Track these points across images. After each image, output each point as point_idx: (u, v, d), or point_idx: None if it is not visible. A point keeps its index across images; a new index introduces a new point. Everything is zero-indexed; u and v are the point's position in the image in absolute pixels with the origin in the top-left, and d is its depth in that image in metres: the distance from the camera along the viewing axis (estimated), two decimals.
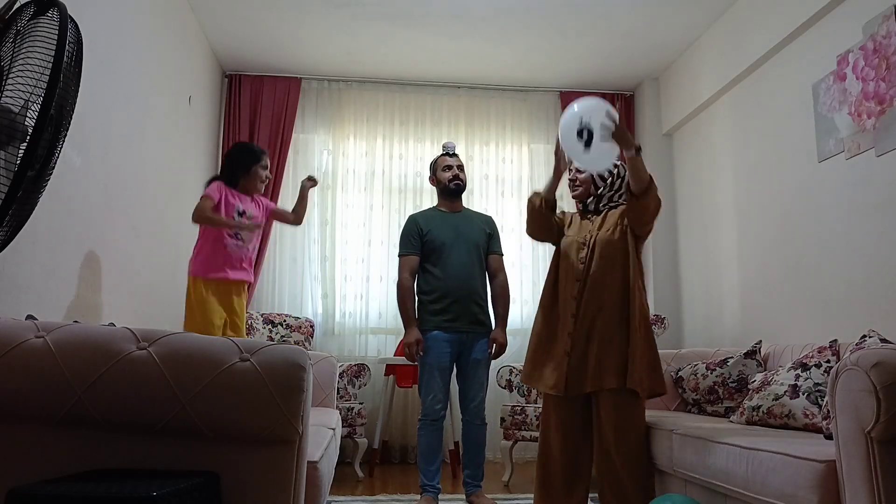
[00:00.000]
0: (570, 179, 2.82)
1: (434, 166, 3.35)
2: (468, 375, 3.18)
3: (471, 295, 3.17)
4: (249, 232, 3.06)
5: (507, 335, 3.27)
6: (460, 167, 3.31)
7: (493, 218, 3.45)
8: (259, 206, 3.19)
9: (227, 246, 2.99)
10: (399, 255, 3.26)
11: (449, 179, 3.28)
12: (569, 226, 2.85)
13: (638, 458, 2.51)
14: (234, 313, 3.03)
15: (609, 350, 2.53)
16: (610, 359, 2.52)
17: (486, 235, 3.29)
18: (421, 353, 3.13)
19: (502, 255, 3.35)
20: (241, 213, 3.05)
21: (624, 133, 2.46)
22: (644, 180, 2.49)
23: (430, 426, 3.13)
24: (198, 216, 2.90)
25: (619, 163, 2.73)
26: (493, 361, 3.28)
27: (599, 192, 2.75)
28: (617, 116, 2.48)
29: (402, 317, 3.19)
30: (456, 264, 3.17)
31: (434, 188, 3.38)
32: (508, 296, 3.29)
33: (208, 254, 2.97)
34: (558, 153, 2.69)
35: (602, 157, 2.54)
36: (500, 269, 3.30)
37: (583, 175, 2.76)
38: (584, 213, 2.83)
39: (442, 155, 3.34)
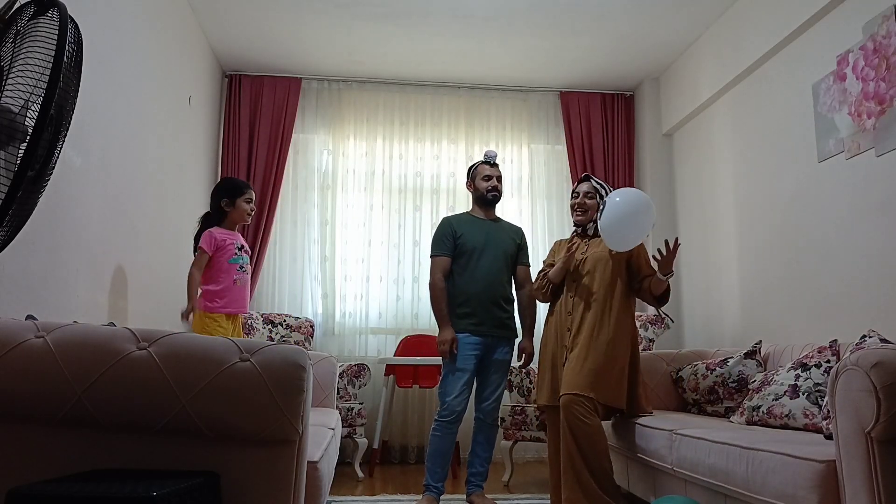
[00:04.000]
0: (577, 204, 3.03)
1: (473, 173, 3.37)
2: (487, 376, 3.20)
3: (495, 299, 3.20)
4: (247, 264, 3.27)
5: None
6: (499, 178, 3.34)
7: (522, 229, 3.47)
8: (243, 238, 3.39)
9: (236, 281, 3.17)
10: (431, 256, 3.27)
11: (487, 189, 3.31)
12: (561, 250, 3.08)
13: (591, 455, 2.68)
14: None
15: (585, 362, 2.76)
16: (582, 370, 2.76)
17: (515, 246, 3.32)
18: (456, 351, 3.11)
19: (529, 266, 3.39)
20: (241, 248, 3.23)
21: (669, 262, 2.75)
22: (665, 298, 2.85)
23: (447, 428, 3.10)
24: (190, 280, 3.09)
25: (608, 186, 3.05)
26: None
27: (597, 217, 2.96)
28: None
29: (436, 316, 3.20)
30: (484, 269, 3.20)
31: (428, 189, 3.43)
32: (535, 305, 3.33)
33: (217, 292, 3.12)
34: (570, 259, 2.94)
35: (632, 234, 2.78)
36: (528, 280, 3.33)
37: (591, 201, 3.00)
38: (582, 235, 3.07)
39: (482, 163, 3.35)
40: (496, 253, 3.23)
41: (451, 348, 3.10)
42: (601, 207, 2.78)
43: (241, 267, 3.20)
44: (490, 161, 3.33)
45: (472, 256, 3.21)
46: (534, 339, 3.31)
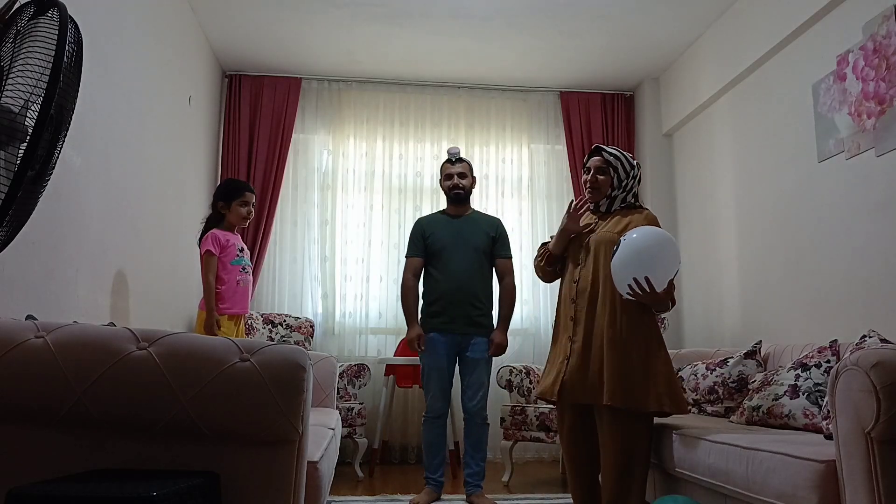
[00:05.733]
0: (588, 181, 2.66)
1: (441, 171, 3.43)
2: (467, 375, 3.24)
3: (468, 298, 3.23)
4: (251, 265, 3.30)
5: (508, 336, 3.33)
6: (461, 174, 3.36)
7: (501, 220, 3.47)
8: (243, 239, 3.41)
9: (239, 282, 3.17)
10: (405, 256, 3.38)
11: (449, 188, 3.37)
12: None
13: (628, 477, 2.38)
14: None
15: (606, 362, 2.39)
16: (606, 371, 2.38)
17: (489, 239, 3.32)
18: (423, 348, 3.22)
19: (509, 257, 3.39)
20: (242, 250, 3.22)
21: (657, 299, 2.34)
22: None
23: (432, 423, 3.24)
24: (207, 288, 3.06)
25: (633, 160, 2.64)
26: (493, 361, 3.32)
27: (612, 193, 2.62)
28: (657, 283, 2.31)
29: (404, 314, 3.32)
30: (454, 268, 3.24)
31: (428, 189, 3.55)
32: (513, 298, 3.34)
33: (226, 293, 3.13)
34: (575, 215, 2.57)
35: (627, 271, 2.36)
36: (507, 272, 3.35)
37: (602, 178, 2.62)
38: (595, 212, 2.72)
39: (446, 161, 3.40)
40: (466, 251, 3.27)
41: (417, 345, 3.23)
42: (617, 244, 2.39)
43: (244, 268, 3.19)
44: (452, 158, 3.36)
45: (441, 256, 3.27)
46: (507, 332, 3.33)
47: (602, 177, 2.61)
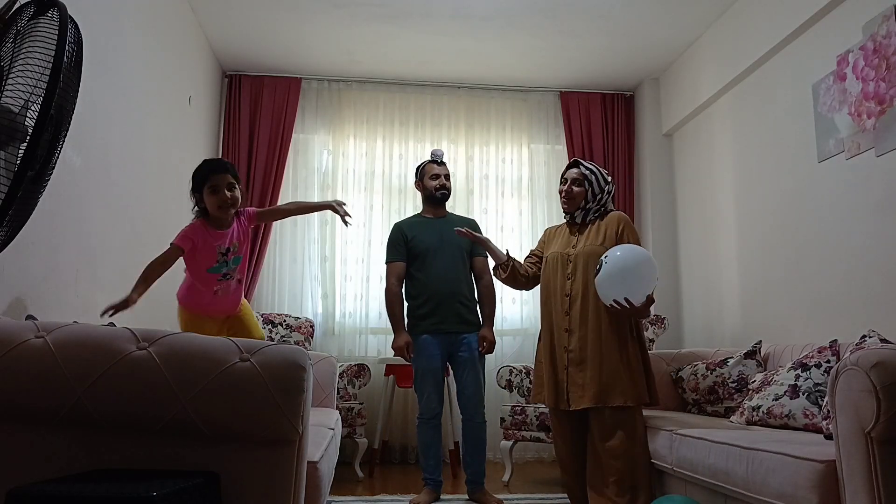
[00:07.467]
0: (563, 191, 2.89)
1: (421, 172, 3.44)
2: (462, 375, 3.25)
3: (455, 296, 3.25)
4: (236, 266, 2.70)
5: (509, 336, 3.35)
6: (447, 176, 3.41)
7: (478, 221, 3.57)
8: (240, 227, 2.71)
9: (216, 292, 2.68)
10: (386, 263, 3.37)
11: (435, 188, 3.38)
12: (553, 239, 2.97)
13: (624, 475, 2.57)
14: (227, 322, 2.84)
15: (602, 367, 2.62)
16: (602, 376, 2.61)
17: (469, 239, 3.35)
18: (411, 355, 3.23)
19: (486, 256, 3.42)
20: (226, 252, 2.63)
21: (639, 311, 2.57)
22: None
23: (427, 424, 3.24)
24: (145, 269, 2.53)
25: (609, 177, 2.89)
26: (491, 362, 3.33)
27: (587, 205, 2.84)
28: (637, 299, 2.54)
29: (390, 321, 3.30)
30: (440, 268, 3.26)
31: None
32: (494, 296, 3.39)
33: (191, 295, 2.73)
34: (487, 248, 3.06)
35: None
36: (486, 271, 3.38)
37: (577, 189, 2.83)
38: (570, 224, 2.93)
39: (429, 162, 3.42)
40: (451, 250, 3.29)
41: (405, 353, 3.22)
42: (601, 264, 2.58)
43: (226, 275, 2.66)
44: (437, 160, 3.39)
45: (426, 257, 3.28)
46: (493, 327, 3.35)
47: (577, 188, 2.83)
